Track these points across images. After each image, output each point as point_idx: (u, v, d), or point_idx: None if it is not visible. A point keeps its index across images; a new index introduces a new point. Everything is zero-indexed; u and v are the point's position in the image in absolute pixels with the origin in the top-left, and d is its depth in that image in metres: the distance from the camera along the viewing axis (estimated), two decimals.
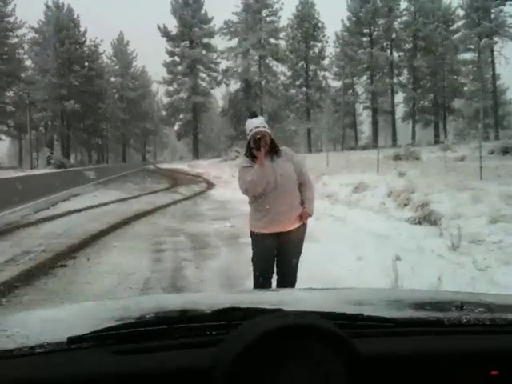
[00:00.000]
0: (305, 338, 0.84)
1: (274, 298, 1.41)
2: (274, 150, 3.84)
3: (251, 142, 3.76)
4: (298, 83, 60.60)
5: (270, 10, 61.34)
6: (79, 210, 12.78)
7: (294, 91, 60.32)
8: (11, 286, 5.59)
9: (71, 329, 1.02)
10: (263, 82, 59.82)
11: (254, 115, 3.94)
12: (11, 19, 59.60)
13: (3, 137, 63.64)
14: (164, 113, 73.32)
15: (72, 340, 0.92)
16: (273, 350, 0.82)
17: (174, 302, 1.41)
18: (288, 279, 3.94)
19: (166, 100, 70.79)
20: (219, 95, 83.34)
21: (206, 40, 66.53)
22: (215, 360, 0.84)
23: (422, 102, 59.13)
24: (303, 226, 3.91)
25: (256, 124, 3.81)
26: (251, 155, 3.79)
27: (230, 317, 1.02)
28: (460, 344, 1.02)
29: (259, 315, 0.91)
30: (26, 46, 62.64)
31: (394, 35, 57.20)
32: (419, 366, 0.94)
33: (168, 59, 67.08)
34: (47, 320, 1.19)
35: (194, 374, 0.86)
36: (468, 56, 55.86)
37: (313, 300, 1.35)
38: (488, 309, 1.26)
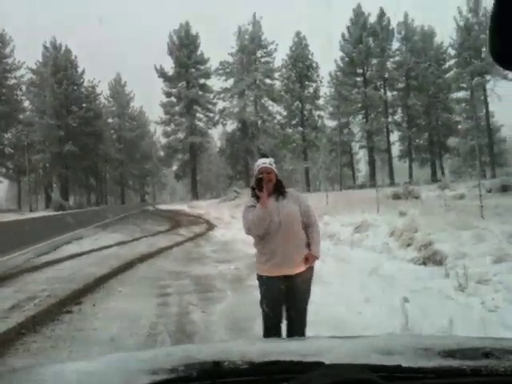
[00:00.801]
0: None
1: (303, 347, 1.43)
2: (279, 191, 3.85)
3: (254, 182, 3.80)
4: (293, 122, 61.27)
5: (265, 50, 62.63)
6: (82, 254, 12.75)
7: (290, 130, 60.91)
8: (18, 333, 5.54)
9: (110, 382, 1.04)
10: (259, 122, 60.50)
11: (263, 155, 4.00)
12: (9, 60, 60.49)
13: (1, 179, 63.75)
14: (162, 153, 73.74)
15: None
16: None
17: (203, 352, 1.42)
18: (297, 323, 3.90)
19: (163, 140, 71.30)
20: (216, 135, 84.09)
21: (202, 80, 67.52)
22: None
23: (417, 141, 59.79)
24: (310, 269, 3.88)
25: (262, 161, 3.86)
26: (256, 195, 3.77)
27: (271, 371, 1.04)
28: None
29: (300, 369, 0.95)
30: (24, 88, 63.14)
31: (386, 75, 58.30)
32: None
33: (165, 100, 67.88)
34: (82, 373, 1.19)
35: None
36: (461, 94, 56.78)
37: (343, 350, 1.38)
38: None
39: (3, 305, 6.99)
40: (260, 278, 3.92)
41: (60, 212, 40.42)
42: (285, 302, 3.89)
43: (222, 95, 63.87)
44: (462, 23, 54.16)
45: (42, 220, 23.17)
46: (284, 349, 1.43)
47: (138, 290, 7.95)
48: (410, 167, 59.02)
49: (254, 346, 1.64)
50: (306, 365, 1.05)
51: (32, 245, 14.82)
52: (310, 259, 3.82)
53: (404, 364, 1.08)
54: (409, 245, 9.62)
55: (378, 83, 59.18)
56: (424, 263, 8.31)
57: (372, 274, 7.82)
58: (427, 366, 1.14)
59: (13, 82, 61.44)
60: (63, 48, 64.17)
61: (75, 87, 63.83)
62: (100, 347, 4.95)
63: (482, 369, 1.11)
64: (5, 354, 4.86)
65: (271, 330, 3.84)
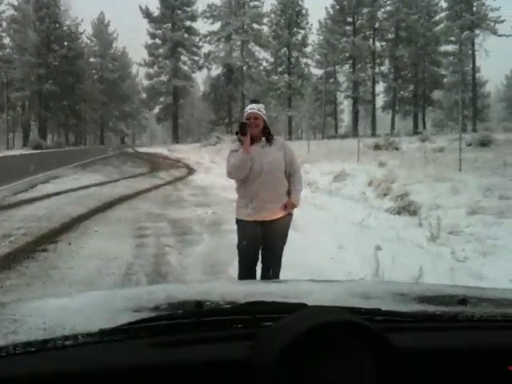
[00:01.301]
0: (341, 333, 0.88)
1: (283, 290, 1.45)
2: (266, 137, 3.86)
3: (238, 126, 3.78)
4: (280, 70, 60.41)
5: None
6: (59, 193, 12.62)
7: (275, 77, 60.08)
8: None
9: (93, 320, 1.04)
10: (245, 68, 59.54)
11: (254, 101, 3.95)
12: None
13: None
14: (144, 95, 72.46)
15: (105, 332, 0.93)
16: (312, 345, 0.85)
17: (185, 292, 1.43)
18: (273, 267, 4.00)
19: (146, 83, 69.92)
20: (200, 79, 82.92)
21: (188, 23, 65.81)
22: (256, 353, 0.86)
23: (402, 93, 59.72)
24: (289, 216, 3.95)
25: (251, 107, 3.82)
26: (240, 139, 3.79)
27: (254, 311, 1.06)
28: (477, 339, 1.07)
29: (284, 309, 0.96)
30: (5, 24, 61.29)
31: (377, 25, 57.41)
32: (440, 361, 0.98)
33: (149, 41, 66.32)
34: (64, 310, 1.19)
35: (230, 366, 0.88)
36: (449, 48, 56.40)
37: (322, 293, 1.40)
38: (493, 303, 1.32)
39: None
40: (239, 221, 3.97)
41: (38, 151, 39.88)
42: (261, 246, 3.96)
43: (208, 38, 62.49)
44: None
45: (19, 158, 22.83)
46: (265, 290, 1.45)
47: (115, 231, 7.96)
48: (393, 119, 59.13)
49: (234, 286, 1.67)
50: (288, 305, 1.07)
51: (8, 183, 14.62)
52: (288, 206, 3.87)
53: (383, 308, 1.10)
54: (385, 195, 9.74)
55: (368, 33, 58.29)
56: (399, 213, 8.45)
57: (347, 222, 7.95)
58: (404, 310, 1.17)
59: None
60: None
61: (57, 25, 61.99)
62: (76, 286, 4.98)
63: (458, 315, 1.14)
64: None
65: (246, 272, 3.92)
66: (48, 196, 12.12)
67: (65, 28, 64.01)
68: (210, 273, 5.61)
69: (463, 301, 1.24)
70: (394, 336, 0.93)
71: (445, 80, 57.74)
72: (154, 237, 7.60)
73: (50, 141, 62.97)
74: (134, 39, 77.92)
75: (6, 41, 62.72)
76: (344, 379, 0.86)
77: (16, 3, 61.24)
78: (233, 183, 4.11)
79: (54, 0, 61.91)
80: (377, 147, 22.03)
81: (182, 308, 1.15)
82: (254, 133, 3.78)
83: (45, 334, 0.96)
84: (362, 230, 7.36)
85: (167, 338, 0.94)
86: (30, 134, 59.78)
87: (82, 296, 1.54)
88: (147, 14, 64.91)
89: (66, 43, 62.76)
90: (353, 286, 1.58)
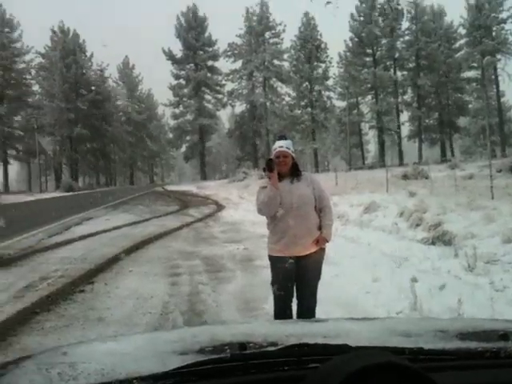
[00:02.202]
0: (386, 375, 0.88)
1: (324, 329, 1.46)
2: (295, 173, 3.90)
3: (265, 163, 3.83)
4: (302, 104, 60.97)
5: (273, 32, 62.37)
6: (93, 235, 12.86)
7: (299, 112, 60.66)
8: (32, 313, 5.65)
9: (142, 363, 1.07)
10: (268, 103, 60.35)
11: (281, 137, 4.02)
12: (18, 45, 61.09)
13: (12, 161, 64.34)
14: (171, 135, 73.94)
15: (156, 377, 0.96)
16: None
17: (227, 333, 1.45)
18: (307, 303, 3.96)
19: (172, 122, 71.59)
20: (225, 117, 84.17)
21: (210, 62, 67.51)
22: None
23: (427, 121, 59.45)
24: (321, 251, 3.93)
25: (280, 144, 3.87)
26: (268, 176, 3.82)
27: (299, 353, 1.08)
28: None
29: (328, 351, 0.98)
30: (33, 71, 63.96)
31: (396, 55, 57.74)
32: None
33: (173, 82, 68.06)
34: (113, 353, 1.22)
35: None
36: (471, 74, 56.29)
37: (363, 332, 1.41)
38: None
39: (17, 284, 7.11)
40: (271, 257, 3.97)
41: (70, 193, 40.77)
42: (296, 282, 3.94)
43: (231, 77, 63.86)
44: (472, 2, 53.35)
45: (52, 201, 23.39)
46: (306, 330, 1.46)
47: (149, 270, 8.04)
48: (420, 147, 58.74)
49: (275, 327, 1.68)
50: (332, 347, 1.08)
51: (43, 226, 14.97)
52: (320, 241, 3.86)
53: (424, 346, 1.11)
54: (418, 225, 9.63)
55: (388, 63, 58.62)
56: (433, 243, 8.33)
57: (381, 254, 7.86)
58: (447, 348, 1.17)
59: (22, 66, 62.14)
60: (71, 32, 64.20)
61: (84, 71, 64.35)
62: (114, 326, 5.04)
63: (501, 351, 1.14)
64: (20, 333, 4.96)
65: (282, 309, 3.90)
66: (82, 237, 12.34)
67: (91, 73, 66.28)
68: (244, 310, 5.59)
69: (504, 336, 1.24)
70: (437, 375, 0.93)
71: (470, 106, 57.37)
72: (187, 275, 7.64)
73: (81, 183, 64.49)
74: (158, 81, 79.91)
75: (36, 88, 65.35)
76: None
77: (43, 51, 63.92)
78: (262, 218, 4.14)
79: (80, 47, 64.37)
80: (405, 177, 21.89)
81: (227, 350, 1.17)
82: (283, 170, 3.83)
83: (102, 379, 1.00)
84: (397, 261, 7.26)
85: (217, 382, 0.97)
86: (61, 177, 61.47)
87: (127, 339, 1.57)
88: (170, 56, 66.80)
89: (93, 88, 64.90)
90: (392, 324, 1.58)
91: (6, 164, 61.23)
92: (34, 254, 10.00)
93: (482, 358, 1.12)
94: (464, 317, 4.21)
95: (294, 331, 1.42)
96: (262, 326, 1.71)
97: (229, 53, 63.56)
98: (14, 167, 77.99)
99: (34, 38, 64.51)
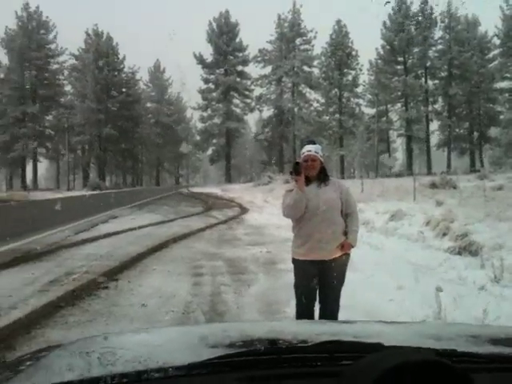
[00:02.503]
0: (425, 374, 0.87)
1: (354, 330, 1.44)
2: (323, 178, 3.88)
3: (292, 166, 3.82)
4: (331, 110, 60.79)
5: (304, 38, 62.43)
6: (118, 233, 13.03)
7: (327, 118, 60.50)
8: (56, 307, 5.74)
9: (176, 354, 1.08)
10: (296, 109, 60.30)
11: (310, 142, 4.01)
12: (52, 46, 62.59)
13: (41, 159, 65.67)
14: (198, 138, 74.48)
15: (193, 366, 0.98)
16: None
17: (257, 330, 1.45)
18: (330, 307, 3.93)
19: (200, 125, 72.16)
20: (252, 121, 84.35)
21: (240, 67, 67.89)
22: None
23: (457, 130, 58.58)
24: (346, 256, 3.90)
25: (308, 148, 3.87)
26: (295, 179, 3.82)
27: (332, 349, 1.07)
28: None
29: (362, 349, 0.97)
30: (66, 72, 65.46)
31: (428, 63, 57.06)
32: None
33: (203, 86, 68.59)
34: (146, 344, 1.24)
35: None
36: (504, 84, 55.24)
37: (394, 335, 1.38)
38: None
39: (43, 279, 7.24)
40: (295, 261, 3.96)
41: (97, 191, 41.38)
42: (319, 286, 3.92)
43: (260, 82, 64.11)
44: (508, 12, 52.44)
45: (79, 199, 23.75)
46: (336, 330, 1.45)
47: (172, 269, 8.10)
48: (449, 157, 57.87)
49: (304, 326, 1.67)
50: (366, 345, 1.07)
51: (70, 223, 15.22)
52: (345, 246, 3.83)
53: (457, 349, 1.09)
54: (445, 234, 9.49)
55: (419, 71, 57.99)
56: (459, 253, 8.19)
57: (405, 263, 7.77)
58: (480, 352, 1.14)
59: (55, 66, 63.74)
60: (105, 35, 65.37)
61: (116, 73, 65.37)
62: (137, 323, 5.09)
63: None
64: (44, 326, 5.04)
65: (304, 312, 3.88)
66: (108, 235, 12.52)
67: (123, 75, 67.26)
68: (266, 312, 5.59)
69: None
70: (473, 377, 0.92)
71: (501, 117, 56.27)
72: (209, 275, 7.68)
73: (108, 182, 65.35)
74: (187, 85, 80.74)
75: (68, 88, 66.77)
76: None
77: (77, 53, 65.33)
78: (286, 222, 4.13)
79: (113, 49, 65.46)
80: (433, 186, 21.60)
81: (257, 345, 1.17)
82: (311, 174, 3.82)
83: (139, 366, 1.01)
84: (422, 270, 7.16)
85: (253, 373, 0.97)
86: (89, 176, 62.48)
87: (159, 331, 1.59)
88: (201, 60, 67.40)
89: (124, 89, 65.89)
90: (423, 328, 1.55)
91: (35, 161, 62.51)
92: (60, 249, 10.17)
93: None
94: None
95: (323, 330, 1.41)
96: (291, 325, 1.70)
97: (259, 58, 63.86)
98: (43, 165, 79.57)
99: (68, 40, 65.69)
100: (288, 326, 1.52)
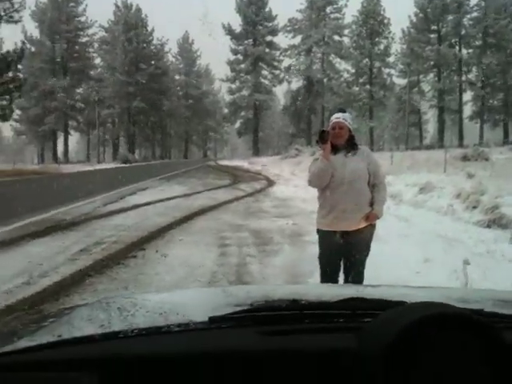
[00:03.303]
0: (451, 327, 0.86)
1: (378, 292, 1.43)
2: (351, 146, 3.80)
3: (318, 134, 3.75)
4: (361, 81, 59.78)
5: (335, 6, 61.08)
6: (146, 204, 13.20)
7: (357, 89, 59.49)
8: (85, 275, 5.87)
9: (198, 311, 1.10)
10: (325, 80, 59.42)
11: (340, 110, 3.93)
12: (82, 19, 62.93)
13: (72, 132, 66.63)
14: (226, 110, 74.27)
15: (214, 320, 0.99)
16: (422, 337, 0.85)
17: (281, 292, 1.46)
18: (354, 279, 3.87)
19: (228, 98, 71.80)
20: (281, 93, 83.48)
21: (269, 38, 66.90)
22: (366, 343, 0.87)
23: (491, 101, 56.98)
24: (371, 227, 3.83)
25: (337, 116, 3.78)
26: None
27: (355, 307, 1.07)
28: None
29: (384, 306, 0.96)
30: (96, 45, 65.69)
31: (463, 32, 55.32)
32: None
33: (232, 57, 67.97)
34: (170, 302, 1.25)
35: (337, 356, 0.89)
36: None
37: (418, 297, 1.37)
38: None
39: (73, 248, 7.41)
40: (319, 231, 3.92)
41: (127, 164, 41.89)
42: (343, 256, 3.89)
43: (289, 52, 63.24)
44: None
45: (109, 171, 24.10)
46: (360, 292, 1.44)
47: (198, 240, 8.17)
48: (482, 128, 56.42)
49: (328, 289, 1.66)
50: (389, 303, 1.06)
51: (100, 194, 15.48)
52: (370, 217, 3.77)
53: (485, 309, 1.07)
54: (474, 207, 9.30)
55: (453, 40, 56.34)
56: (489, 226, 8.04)
57: (433, 236, 7.66)
58: (508, 313, 1.12)
59: (85, 39, 64.12)
60: (134, 7, 65.16)
61: (145, 45, 65.31)
62: (163, 291, 5.16)
63: None
64: (72, 293, 5.16)
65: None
66: (136, 207, 12.70)
67: (152, 47, 67.19)
68: (290, 283, 5.60)
69: None
70: (502, 333, 0.90)
71: None
72: (235, 246, 7.72)
73: (137, 155, 66.02)
74: (216, 56, 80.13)
75: (97, 61, 67.13)
76: (455, 373, 0.84)
77: (106, 25, 65.40)
78: (313, 195, 4.08)
79: (142, 21, 65.31)
80: (465, 158, 21.13)
81: (281, 304, 1.16)
82: (339, 142, 3.74)
83: (159, 319, 1.04)
84: (450, 243, 7.06)
85: (274, 327, 0.97)
86: (118, 149, 63.22)
87: (182, 292, 1.61)
88: (229, 30, 66.68)
89: (152, 62, 65.82)
90: (450, 292, 1.52)
91: (66, 134, 63.50)
92: (90, 220, 10.38)
93: None
94: None
95: (347, 293, 1.40)
96: (316, 287, 1.69)
97: (288, 28, 62.79)
98: (74, 138, 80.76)
99: (98, 13, 65.66)
100: (312, 288, 1.52)
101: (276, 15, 66.28)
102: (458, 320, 0.87)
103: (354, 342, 0.90)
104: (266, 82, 68.48)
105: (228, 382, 0.88)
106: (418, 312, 0.87)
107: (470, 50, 56.92)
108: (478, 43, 56.06)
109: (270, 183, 22.32)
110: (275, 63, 67.15)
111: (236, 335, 0.96)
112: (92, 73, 64.93)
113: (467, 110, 59.34)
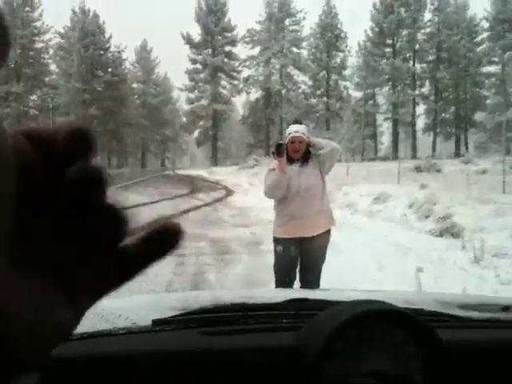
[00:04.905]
0: (386, 323, 0.89)
1: (324, 296, 1.46)
2: (306, 157, 3.86)
3: (274, 147, 3.81)
4: (318, 93, 60.60)
5: (293, 19, 61.80)
6: None
7: (314, 100, 60.35)
8: None
9: (144, 316, 1.09)
10: (284, 91, 59.99)
11: (296, 121, 3.99)
12: (38, 24, 61.27)
13: None
14: (184, 119, 73.88)
15: (157, 322, 0.99)
16: (357, 333, 0.87)
17: (230, 296, 1.47)
18: (310, 287, 3.94)
19: (186, 107, 71.41)
20: (239, 103, 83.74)
21: (228, 48, 67.04)
22: (303, 341, 0.89)
23: (443, 114, 58.82)
24: (327, 233, 3.90)
25: (295, 129, 3.85)
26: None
27: (299, 307, 1.08)
28: None
29: (327, 306, 0.99)
30: (51, 51, 64.13)
31: (417, 46, 57.00)
32: (485, 356, 0.98)
33: (190, 66, 67.74)
34: (113, 307, 1.24)
35: (278, 353, 0.91)
36: (492, 69, 55.42)
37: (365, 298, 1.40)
38: None
39: None
40: (275, 239, 3.96)
41: None
42: (299, 265, 3.93)
43: (248, 63, 63.56)
44: None
45: None
46: (307, 296, 1.47)
47: None
48: (434, 141, 58.18)
49: (276, 293, 1.68)
50: (332, 303, 1.08)
51: None
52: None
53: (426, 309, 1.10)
54: (427, 217, 9.56)
55: (408, 54, 57.91)
56: (441, 235, 8.28)
57: (388, 244, 7.84)
58: (446, 312, 1.16)
59: (40, 45, 62.44)
60: (91, 13, 64.20)
61: (102, 52, 64.21)
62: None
63: (502, 319, 1.13)
64: None
65: None
66: None
67: (109, 54, 66.26)
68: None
69: (506, 308, 1.22)
70: (438, 331, 0.93)
71: (487, 101, 56.54)
72: (193, 256, 7.66)
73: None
74: (174, 65, 79.79)
75: (53, 67, 65.51)
76: (390, 367, 0.87)
77: (63, 31, 64.09)
78: (271, 205, 4.12)
79: (100, 28, 64.37)
80: (418, 169, 21.74)
81: (238, 306, 1.19)
82: (297, 156, 3.82)
83: (101, 323, 1.04)
84: (404, 251, 7.24)
85: (216, 328, 0.99)
86: None
87: (128, 298, 1.60)
88: (188, 40, 66.50)
89: (109, 69, 64.88)
90: (395, 295, 1.57)
91: None
92: None
93: (483, 321, 1.11)
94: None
95: (294, 296, 1.42)
96: (265, 292, 1.70)
97: (247, 39, 63.19)
98: None
99: (54, 18, 64.38)
100: (261, 293, 1.53)
101: (235, 26, 66.64)
102: (395, 317, 0.89)
103: (294, 340, 0.92)
104: (225, 92, 68.54)
105: (171, 380, 0.89)
106: (354, 309, 0.89)
107: (424, 65, 58.63)
108: (431, 58, 57.81)
109: (229, 193, 22.30)
110: (234, 73, 67.35)
111: (179, 336, 0.97)
112: (47, 79, 63.42)
113: (420, 122, 61.11)
